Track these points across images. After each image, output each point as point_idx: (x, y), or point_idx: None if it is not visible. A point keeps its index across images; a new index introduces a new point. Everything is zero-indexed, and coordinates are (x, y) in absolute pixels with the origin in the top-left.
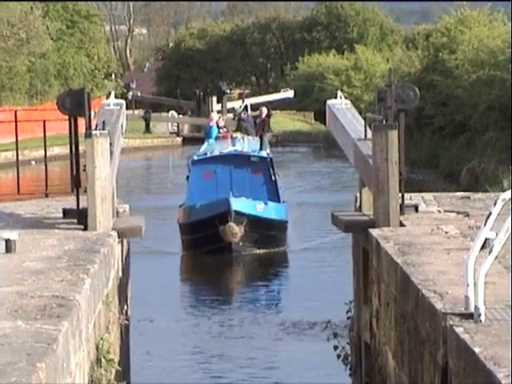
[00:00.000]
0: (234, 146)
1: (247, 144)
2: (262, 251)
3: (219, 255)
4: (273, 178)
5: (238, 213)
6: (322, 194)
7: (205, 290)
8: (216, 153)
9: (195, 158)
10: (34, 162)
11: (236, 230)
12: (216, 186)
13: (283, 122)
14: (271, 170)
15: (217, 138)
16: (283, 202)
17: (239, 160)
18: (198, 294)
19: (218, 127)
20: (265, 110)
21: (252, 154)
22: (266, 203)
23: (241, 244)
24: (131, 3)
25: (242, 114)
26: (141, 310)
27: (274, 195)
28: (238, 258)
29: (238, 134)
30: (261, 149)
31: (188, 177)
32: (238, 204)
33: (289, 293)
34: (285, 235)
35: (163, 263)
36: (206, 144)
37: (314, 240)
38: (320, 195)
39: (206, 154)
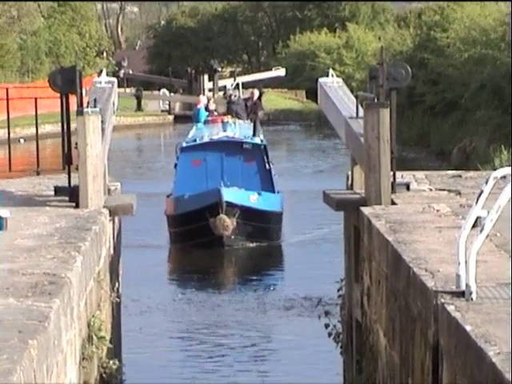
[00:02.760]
0: (224, 131)
1: (239, 129)
2: (255, 245)
3: (209, 249)
4: (267, 166)
5: (229, 204)
6: (317, 179)
7: (194, 281)
8: (206, 139)
9: (183, 144)
10: (22, 140)
11: (227, 223)
12: (206, 175)
13: (275, 100)
14: (265, 157)
15: (206, 122)
16: (278, 192)
17: (231, 147)
18: (187, 284)
19: (208, 110)
20: (256, 92)
21: (244, 140)
22: (259, 194)
23: (233, 237)
24: None
25: (233, 97)
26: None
27: (268, 185)
28: (229, 253)
29: (229, 118)
30: (254, 135)
31: (176, 165)
32: (230, 194)
33: (281, 276)
34: (280, 227)
35: (149, 257)
36: (194, 129)
37: (310, 232)
38: (315, 180)
39: (195, 140)
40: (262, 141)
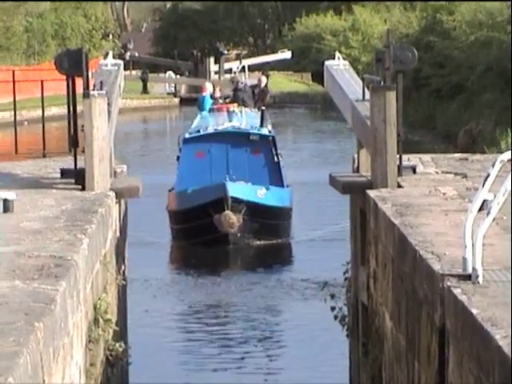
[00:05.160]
0: (230, 121)
1: (246, 119)
2: (262, 243)
3: (214, 247)
4: (275, 158)
5: (235, 199)
6: (326, 167)
7: (199, 271)
8: (210, 130)
9: (187, 135)
10: (26, 123)
11: (233, 219)
12: (210, 168)
13: (281, 82)
14: (274, 149)
15: (211, 110)
16: (287, 186)
17: (237, 138)
18: (192, 274)
19: (214, 98)
20: (264, 79)
21: (251, 131)
22: (267, 188)
23: (239, 235)
24: None
25: (239, 84)
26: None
27: (276, 179)
28: (235, 251)
29: (235, 106)
30: (261, 125)
31: (178, 157)
32: (236, 189)
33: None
34: (289, 224)
35: (151, 255)
36: (198, 118)
37: (321, 229)
38: (324, 168)
39: (198, 131)
40: (270, 132)
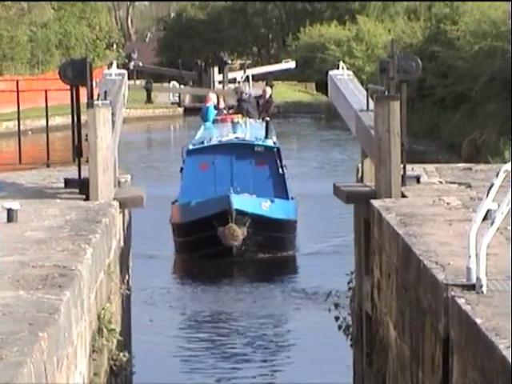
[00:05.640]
0: (234, 132)
1: (250, 130)
2: (267, 256)
3: (218, 260)
4: (280, 170)
5: (239, 212)
6: (330, 178)
7: (203, 281)
8: (214, 141)
9: (190, 147)
10: (30, 132)
11: (237, 232)
12: (214, 180)
13: (285, 92)
14: (278, 161)
15: (215, 121)
16: (292, 198)
17: (241, 150)
18: (196, 284)
19: (218, 109)
20: (269, 90)
21: (256, 142)
22: (272, 200)
23: (243, 248)
24: None
25: (244, 95)
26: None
27: (281, 191)
28: (239, 264)
29: (240, 117)
30: (266, 136)
31: (182, 169)
32: (240, 202)
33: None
34: (294, 237)
35: (154, 268)
36: (202, 129)
37: (326, 242)
38: (328, 179)
39: (202, 142)
40: (274, 143)
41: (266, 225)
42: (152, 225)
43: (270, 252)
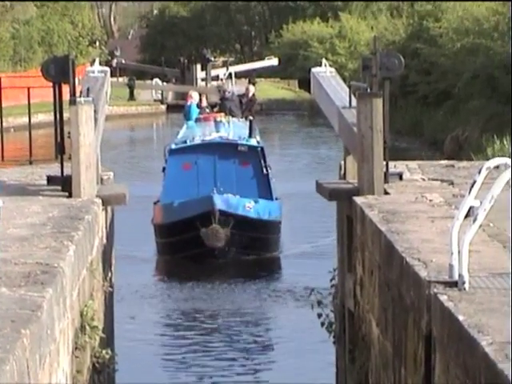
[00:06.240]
0: (218, 131)
1: (233, 129)
2: (251, 257)
3: (201, 262)
4: (264, 170)
5: (223, 212)
6: (314, 175)
7: (186, 280)
8: (197, 140)
9: (173, 146)
10: (12, 130)
11: (221, 233)
12: (197, 180)
13: (268, 89)
14: (262, 161)
15: (197, 120)
16: (276, 198)
17: (225, 149)
18: (179, 284)
19: (200, 107)
20: (252, 89)
21: (240, 142)
22: (256, 201)
23: (226, 249)
24: None
25: (227, 93)
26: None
27: (265, 191)
28: (222, 266)
29: (222, 116)
30: (250, 135)
31: (164, 168)
32: (223, 202)
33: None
34: (278, 238)
35: (136, 269)
36: (184, 127)
37: (311, 242)
38: (312, 177)
39: (185, 141)
40: (258, 142)
41: (249, 226)
42: (133, 225)
43: (253, 253)
